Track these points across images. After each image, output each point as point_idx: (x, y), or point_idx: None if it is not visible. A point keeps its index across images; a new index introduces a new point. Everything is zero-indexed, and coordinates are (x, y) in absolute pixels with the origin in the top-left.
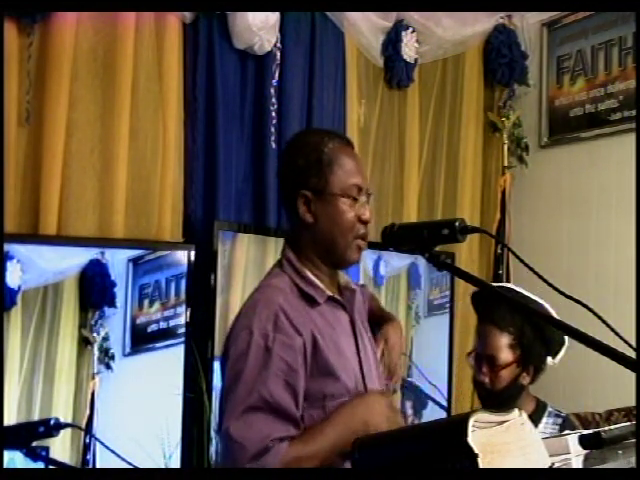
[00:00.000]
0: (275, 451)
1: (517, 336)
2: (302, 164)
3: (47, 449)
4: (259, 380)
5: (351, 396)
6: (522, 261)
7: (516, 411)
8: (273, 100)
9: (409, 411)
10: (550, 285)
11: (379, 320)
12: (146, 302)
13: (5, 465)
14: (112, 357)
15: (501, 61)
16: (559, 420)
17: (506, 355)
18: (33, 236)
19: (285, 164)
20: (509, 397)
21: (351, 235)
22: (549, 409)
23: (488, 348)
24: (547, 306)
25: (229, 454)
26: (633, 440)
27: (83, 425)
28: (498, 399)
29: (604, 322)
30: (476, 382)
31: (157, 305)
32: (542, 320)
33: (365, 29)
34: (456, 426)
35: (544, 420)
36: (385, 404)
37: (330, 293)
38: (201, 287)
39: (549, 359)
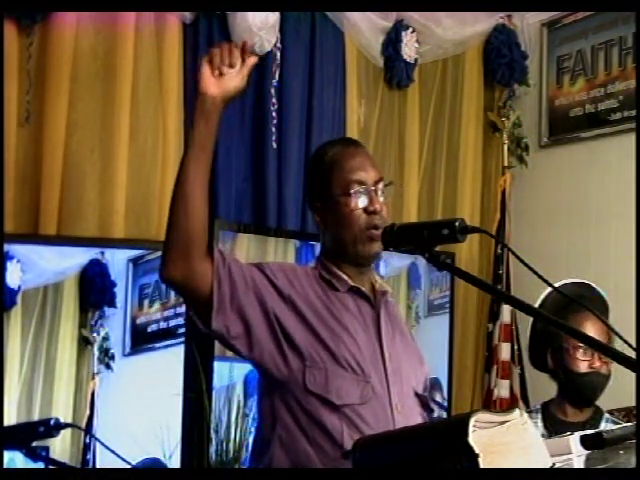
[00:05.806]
0: None
1: None
2: (310, 178)
3: (47, 449)
4: None
5: (355, 377)
6: (522, 261)
7: (517, 411)
8: (273, 100)
9: None
10: (550, 285)
11: None
12: (146, 302)
13: (5, 465)
14: (112, 357)
15: (501, 61)
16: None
17: None
18: (33, 236)
19: (305, 182)
20: None
21: (358, 228)
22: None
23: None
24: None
25: None
26: (634, 440)
27: (83, 425)
28: None
29: (604, 322)
30: (592, 372)
31: (157, 305)
32: (542, 320)
33: (365, 29)
34: (457, 426)
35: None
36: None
37: (353, 284)
38: None
39: None
